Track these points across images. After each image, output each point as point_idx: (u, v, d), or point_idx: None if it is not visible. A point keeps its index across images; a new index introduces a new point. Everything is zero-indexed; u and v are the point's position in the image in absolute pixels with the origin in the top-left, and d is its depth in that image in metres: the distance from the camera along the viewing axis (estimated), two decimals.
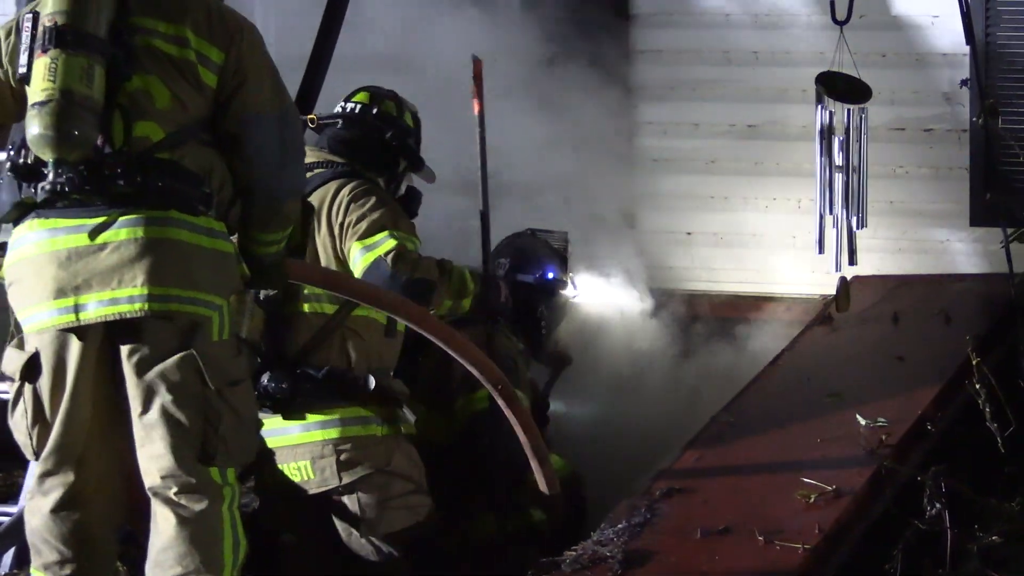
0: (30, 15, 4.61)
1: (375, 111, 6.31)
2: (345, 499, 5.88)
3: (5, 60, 4.77)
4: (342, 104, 6.39)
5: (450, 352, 5.75)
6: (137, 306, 4.59)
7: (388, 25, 8.40)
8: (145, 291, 4.58)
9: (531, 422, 5.97)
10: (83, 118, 4.50)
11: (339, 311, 5.86)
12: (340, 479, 5.85)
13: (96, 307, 4.60)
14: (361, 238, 5.90)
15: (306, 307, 5.90)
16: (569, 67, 8.63)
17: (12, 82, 4.76)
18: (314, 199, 5.92)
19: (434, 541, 6.00)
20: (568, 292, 7.15)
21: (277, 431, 5.89)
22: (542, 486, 6.05)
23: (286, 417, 5.87)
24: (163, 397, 4.64)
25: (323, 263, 5.97)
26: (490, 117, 6.36)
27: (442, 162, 6.61)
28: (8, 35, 4.79)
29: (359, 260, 5.89)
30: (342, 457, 5.84)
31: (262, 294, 5.70)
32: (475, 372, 5.81)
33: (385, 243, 5.88)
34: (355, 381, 5.86)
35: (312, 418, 5.85)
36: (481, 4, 8.34)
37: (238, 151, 4.80)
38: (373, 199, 5.98)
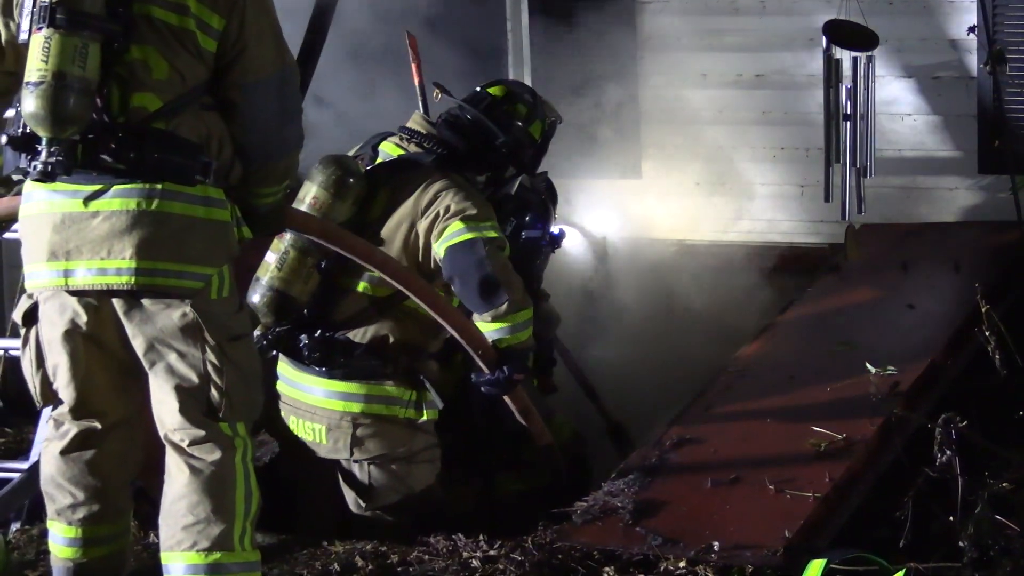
0: None
1: (499, 110, 6.11)
2: (355, 469, 5.86)
3: (14, 14, 4.68)
4: (477, 87, 6.20)
5: (435, 316, 5.70)
6: (124, 279, 4.59)
7: None
8: (133, 264, 4.58)
9: (517, 388, 5.90)
10: (76, 99, 4.45)
11: (390, 297, 5.78)
12: (351, 453, 5.81)
13: (85, 274, 4.61)
14: (467, 220, 5.66)
15: (361, 286, 5.81)
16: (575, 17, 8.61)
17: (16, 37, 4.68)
18: (404, 188, 5.81)
19: (443, 501, 5.98)
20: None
21: (300, 386, 5.88)
22: (536, 439, 6.03)
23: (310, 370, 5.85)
24: (166, 355, 4.67)
25: (398, 250, 5.77)
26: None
27: None
28: None
29: (456, 235, 5.65)
30: (358, 432, 5.78)
31: (323, 262, 5.72)
32: (459, 338, 5.75)
33: (491, 231, 5.70)
34: (387, 360, 5.80)
35: (337, 386, 5.81)
36: None
37: (236, 117, 4.75)
38: (476, 199, 5.78)
